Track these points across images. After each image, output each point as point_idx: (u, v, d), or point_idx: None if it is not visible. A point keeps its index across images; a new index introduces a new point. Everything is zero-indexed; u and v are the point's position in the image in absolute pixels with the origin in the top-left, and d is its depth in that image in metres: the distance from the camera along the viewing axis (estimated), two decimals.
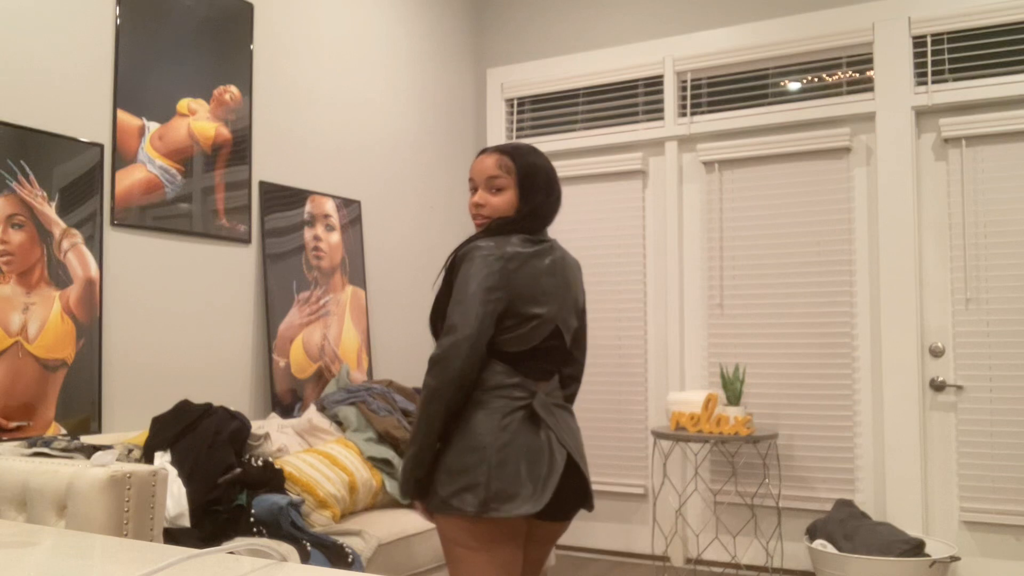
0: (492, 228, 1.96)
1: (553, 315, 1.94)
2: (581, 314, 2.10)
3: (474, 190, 2.01)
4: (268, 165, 3.59)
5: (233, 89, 3.42)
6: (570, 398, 2.12)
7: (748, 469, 4.11)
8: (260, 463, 2.67)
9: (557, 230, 4.65)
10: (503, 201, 1.97)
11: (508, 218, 1.97)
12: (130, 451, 2.58)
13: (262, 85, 3.57)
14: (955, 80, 3.78)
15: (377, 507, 3.12)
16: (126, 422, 2.97)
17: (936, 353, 3.80)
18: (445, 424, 1.85)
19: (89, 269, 2.85)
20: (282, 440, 3.03)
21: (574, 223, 4.62)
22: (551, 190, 2.02)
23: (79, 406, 2.79)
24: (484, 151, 2.03)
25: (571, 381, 2.12)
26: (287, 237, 3.64)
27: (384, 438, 3.24)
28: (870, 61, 3.95)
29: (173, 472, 2.45)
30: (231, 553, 1.21)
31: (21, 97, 2.71)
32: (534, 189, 1.98)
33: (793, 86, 4.13)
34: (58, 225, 2.77)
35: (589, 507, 1.99)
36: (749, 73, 4.23)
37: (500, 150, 2.00)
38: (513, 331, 1.88)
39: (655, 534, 4.30)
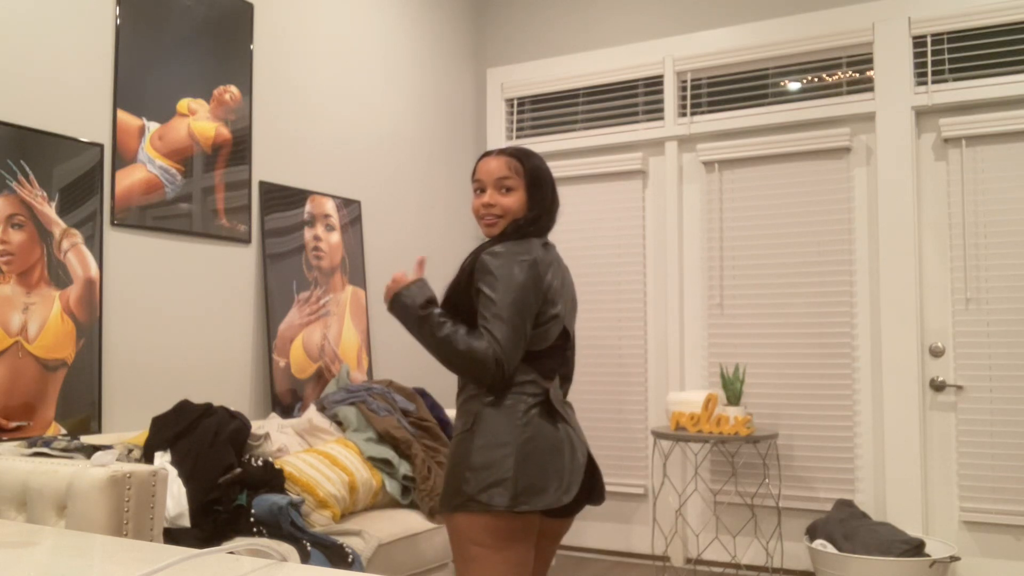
0: (511, 232, 1.98)
1: (563, 316, 1.99)
2: (575, 315, 2.15)
3: (480, 191, 2.03)
4: (268, 165, 3.59)
5: (233, 89, 3.42)
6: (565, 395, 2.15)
7: (748, 469, 4.11)
8: (260, 463, 2.67)
9: (558, 230, 4.63)
10: (513, 201, 2.00)
11: (524, 220, 1.99)
12: (130, 451, 2.58)
13: (262, 85, 3.57)
14: (955, 80, 3.77)
15: (377, 507, 3.12)
16: (126, 422, 2.97)
17: (936, 353, 3.80)
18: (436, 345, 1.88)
19: (89, 269, 2.85)
20: (282, 440, 3.03)
21: (574, 223, 4.61)
22: (554, 194, 2.08)
23: (79, 406, 2.79)
24: (488, 153, 2.05)
25: (564, 381, 2.14)
26: (287, 237, 3.64)
27: (384, 438, 3.24)
28: (870, 61, 3.95)
29: (173, 472, 2.45)
30: (231, 553, 1.21)
31: (21, 97, 2.71)
32: (542, 191, 2.03)
33: (793, 86, 4.13)
34: (58, 225, 2.77)
35: (598, 502, 2.01)
36: (749, 73, 4.23)
37: (506, 152, 2.04)
38: (538, 328, 1.92)
39: (655, 534, 4.30)
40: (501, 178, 2.00)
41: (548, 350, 1.96)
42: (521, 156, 2.03)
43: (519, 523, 1.83)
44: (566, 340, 2.02)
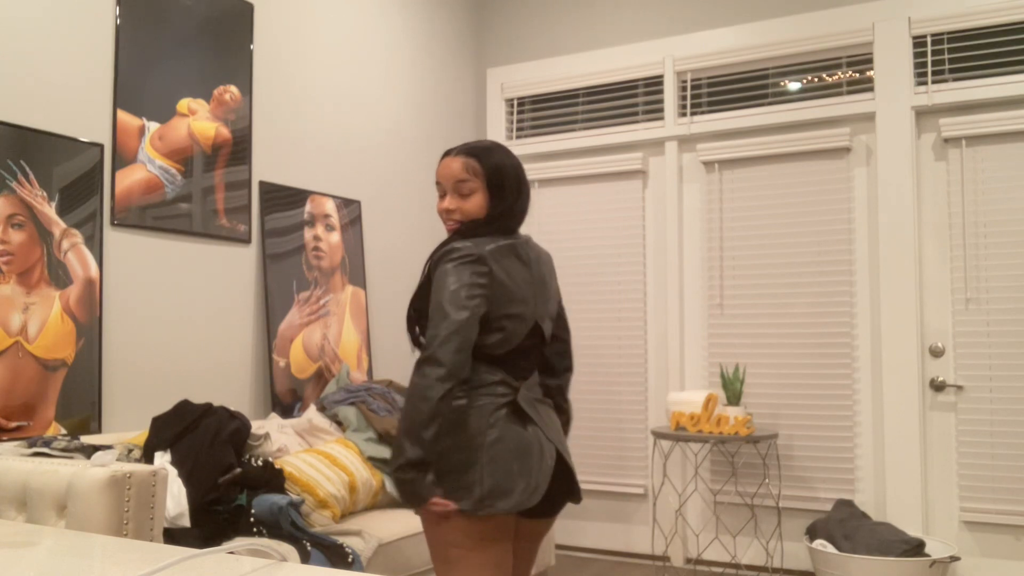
0: (463, 231, 1.93)
1: (531, 313, 1.94)
2: (559, 303, 2.11)
3: (442, 194, 1.98)
4: (268, 165, 3.59)
5: (233, 89, 3.42)
6: (566, 385, 2.12)
7: (748, 469, 4.11)
8: (260, 463, 2.67)
9: (558, 230, 4.65)
10: (473, 205, 1.94)
11: (480, 220, 1.94)
12: (130, 451, 2.58)
13: (262, 85, 3.57)
14: (955, 80, 3.77)
15: (377, 507, 3.12)
16: (126, 422, 2.97)
17: (936, 353, 3.80)
18: (437, 431, 1.76)
19: (89, 269, 2.85)
20: (282, 440, 3.03)
21: (574, 223, 4.61)
22: (520, 189, 1.99)
23: (79, 406, 2.79)
24: (448, 153, 1.98)
25: (564, 371, 2.12)
26: (287, 237, 3.64)
27: (384, 438, 3.24)
28: (870, 61, 3.95)
29: (173, 472, 2.45)
30: (231, 553, 1.21)
31: (21, 97, 2.71)
32: (504, 190, 1.95)
33: (793, 86, 4.13)
34: (58, 225, 2.77)
35: (576, 500, 1.99)
36: (749, 73, 4.23)
37: (465, 152, 1.96)
38: (496, 332, 1.88)
39: (655, 534, 4.30)
40: (459, 181, 1.94)
41: (520, 351, 1.93)
42: (480, 154, 1.95)
43: (491, 524, 1.82)
44: (540, 338, 1.98)
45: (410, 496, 1.79)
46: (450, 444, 1.82)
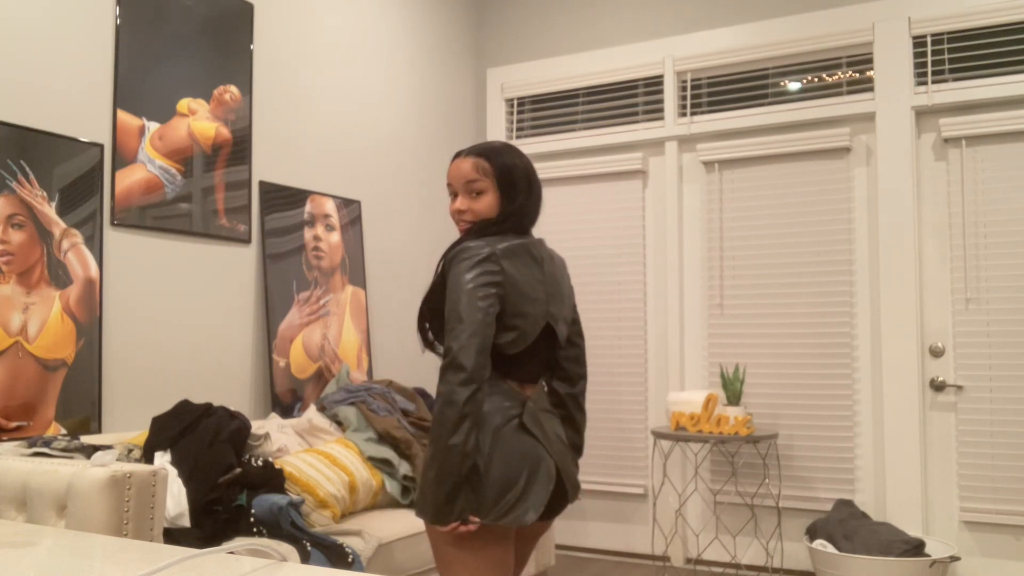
0: (475, 231, 1.93)
1: (544, 312, 1.93)
2: (573, 308, 2.11)
3: (454, 195, 1.98)
4: (268, 165, 3.59)
5: (233, 89, 3.42)
6: (581, 394, 2.11)
7: (748, 469, 4.11)
8: (260, 463, 2.67)
9: (558, 230, 4.65)
10: (484, 205, 1.94)
11: (491, 220, 1.94)
12: (130, 451, 2.58)
13: (262, 85, 3.57)
14: (955, 80, 3.77)
15: (377, 507, 3.12)
16: (126, 422, 2.97)
17: (936, 353, 3.80)
18: (468, 432, 1.74)
19: (89, 269, 2.86)
20: (282, 440, 3.03)
21: (574, 223, 4.61)
22: (531, 188, 1.98)
23: (79, 406, 2.79)
24: (459, 155, 1.99)
25: (579, 379, 2.11)
26: (287, 237, 3.64)
27: (384, 438, 3.24)
28: (870, 61, 3.95)
29: (173, 472, 2.45)
30: (231, 553, 1.21)
31: (21, 97, 2.71)
32: (515, 189, 1.95)
33: (793, 86, 4.13)
34: (58, 225, 2.78)
35: (574, 499, 2.00)
36: (749, 73, 4.23)
37: (475, 152, 1.96)
38: (509, 331, 1.87)
39: (655, 534, 4.30)
40: (470, 182, 1.94)
41: (530, 353, 1.92)
42: (490, 154, 1.95)
43: (492, 528, 1.82)
44: (554, 338, 1.98)
45: (443, 513, 1.76)
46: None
